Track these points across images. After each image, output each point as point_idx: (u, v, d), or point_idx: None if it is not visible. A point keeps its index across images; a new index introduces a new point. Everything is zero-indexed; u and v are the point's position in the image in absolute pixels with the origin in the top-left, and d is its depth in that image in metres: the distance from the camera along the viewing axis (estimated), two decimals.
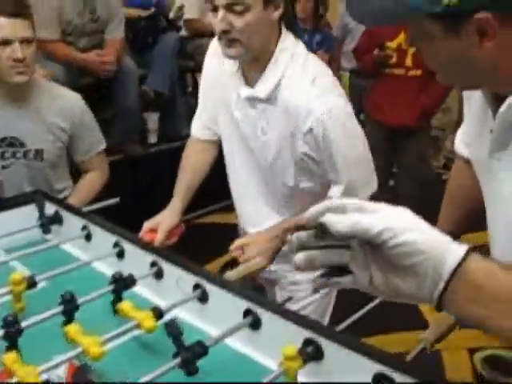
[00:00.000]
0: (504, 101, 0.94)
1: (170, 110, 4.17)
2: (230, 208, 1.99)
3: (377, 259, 0.73)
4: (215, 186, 4.51)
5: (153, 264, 1.35)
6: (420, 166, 3.66)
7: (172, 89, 4.06)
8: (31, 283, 1.26)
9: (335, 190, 1.62)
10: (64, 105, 2.21)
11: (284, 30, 1.62)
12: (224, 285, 1.21)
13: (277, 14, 1.55)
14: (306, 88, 1.55)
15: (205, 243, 3.49)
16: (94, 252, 1.51)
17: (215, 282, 1.22)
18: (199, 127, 1.93)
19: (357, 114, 1.71)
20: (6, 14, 1.97)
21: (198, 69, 4.58)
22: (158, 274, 1.34)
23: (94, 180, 2.38)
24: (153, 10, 4.07)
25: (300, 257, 0.75)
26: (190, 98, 5.02)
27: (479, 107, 1.06)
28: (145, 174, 3.99)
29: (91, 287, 1.24)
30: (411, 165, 3.65)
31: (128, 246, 1.44)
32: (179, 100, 4.22)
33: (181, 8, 4.28)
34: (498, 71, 0.89)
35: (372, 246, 0.72)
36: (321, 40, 4.26)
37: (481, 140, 1.05)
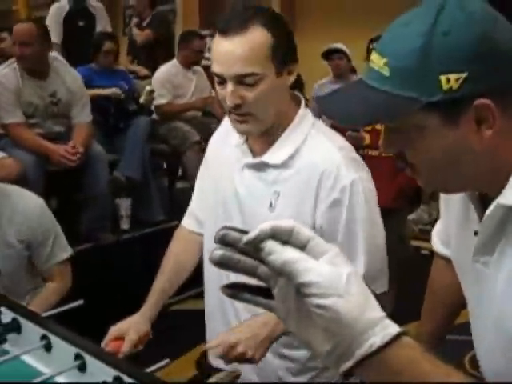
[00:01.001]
0: (490, 202, 0.87)
1: (142, 195, 4.11)
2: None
3: (299, 301, 0.65)
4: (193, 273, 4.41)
5: (116, 379, 1.24)
6: (398, 247, 3.60)
7: (145, 174, 4.02)
8: None
9: None
10: (24, 216, 2.13)
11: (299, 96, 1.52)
12: None
13: (291, 78, 1.44)
14: (334, 154, 1.42)
15: (181, 332, 3.37)
16: (55, 364, 1.40)
17: None
18: (189, 217, 1.77)
19: None
20: None
21: (171, 152, 4.64)
22: None
23: (50, 293, 2.26)
24: (122, 94, 4.09)
25: (219, 251, 0.67)
26: (163, 180, 5.00)
27: (460, 209, 1.00)
28: (117, 262, 3.88)
29: None
30: (389, 246, 3.58)
31: (90, 359, 1.33)
32: (152, 185, 4.18)
33: (151, 92, 4.31)
34: (495, 161, 0.83)
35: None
36: None
37: (462, 242, 0.99)
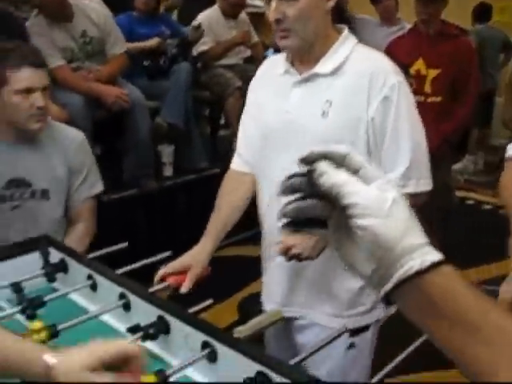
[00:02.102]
0: None
1: (185, 142, 4.12)
2: (249, 241, 1.89)
3: (347, 227, 0.67)
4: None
5: (160, 318, 1.27)
6: (443, 194, 3.55)
7: (187, 120, 4.01)
8: (53, 332, 1.22)
9: (391, 176, 1.54)
10: (66, 145, 2.21)
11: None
12: (234, 345, 1.12)
13: (330, 3, 1.55)
14: (381, 60, 1.61)
15: (223, 277, 3.43)
16: (100, 302, 1.45)
17: (225, 341, 1.13)
18: (238, 159, 1.82)
19: None
20: (31, 63, 2.03)
21: (213, 99, 4.62)
22: (165, 329, 1.26)
23: (85, 235, 2.28)
24: (165, 42, 4.07)
25: (289, 206, 0.69)
26: (205, 128, 5.00)
27: None
28: (160, 208, 3.94)
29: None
30: (433, 195, 3.54)
31: (134, 298, 1.37)
32: (194, 132, 4.17)
33: (198, 27, 4.26)
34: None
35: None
36: None
37: None
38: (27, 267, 1.59)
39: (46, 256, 1.62)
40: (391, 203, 0.65)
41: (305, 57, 1.61)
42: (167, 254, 1.69)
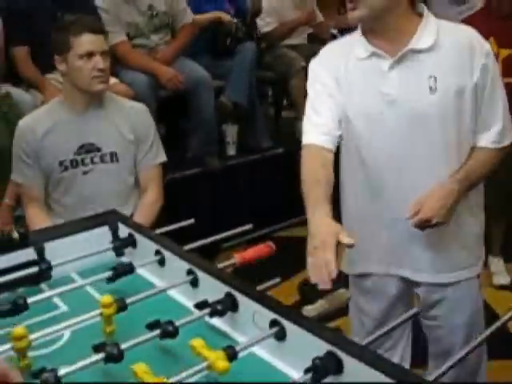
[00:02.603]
0: None
1: (249, 121, 4.11)
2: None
3: None
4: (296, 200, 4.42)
5: (228, 295, 1.27)
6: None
7: (251, 100, 3.99)
8: (122, 306, 1.24)
9: (486, 137, 1.68)
10: (131, 114, 2.38)
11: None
12: (303, 323, 1.11)
13: None
14: (469, 31, 1.69)
15: (283, 258, 3.43)
16: (168, 278, 1.46)
17: (294, 319, 1.12)
18: (318, 134, 1.72)
19: None
20: (90, 30, 2.25)
21: (277, 79, 4.58)
22: (233, 306, 1.25)
23: (151, 204, 2.42)
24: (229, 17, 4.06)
25: None
26: (269, 108, 4.97)
27: None
28: (223, 187, 3.95)
29: (169, 315, 1.19)
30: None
31: (202, 275, 1.37)
32: (258, 112, 4.16)
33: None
34: None
35: None
36: None
37: None
38: (97, 241, 1.62)
39: (115, 230, 1.65)
40: None
41: (391, 35, 1.64)
42: (191, 221, 1.72)
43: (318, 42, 4.88)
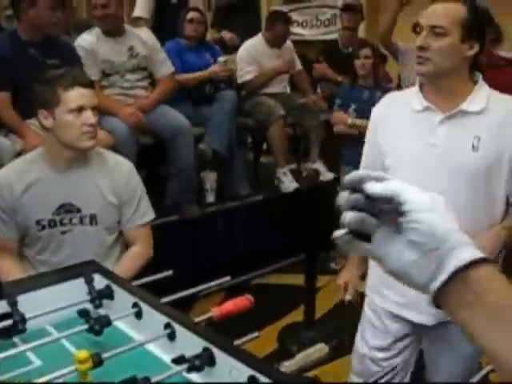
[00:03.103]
0: None
1: (228, 169, 4.13)
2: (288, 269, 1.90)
3: (396, 237, 0.74)
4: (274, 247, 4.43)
5: (205, 350, 1.25)
6: None
7: (230, 147, 4.03)
8: (98, 361, 1.21)
9: None
10: (115, 175, 2.27)
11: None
12: (281, 380, 1.10)
13: (471, 52, 1.82)
14: None
15: (262, 305, 3.41)
16: (145, 331, 1.44)
17: (271, 376, 1.11)
18: None
19: None
20: (81, 84, 2.16)
21: (256, 126, 4.63)
22: (211, 361, 1.24)
23: (136, 256, 2.35)
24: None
25: (351, 215, 0.75)
26: (248, 154, 5.01)
27: None
28: (202, 234, 3.94)
29: (146, 370, 1.17)
30: None
31: (179, 329, 1.35)
32: (237, 159, 4.19)
33: (225, 62, 4.29)
34: None
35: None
36: (382, 96, 4.13)
37: None
38: (73, 293, 1.60)
39: (91, 282, 1.63)
40: (444, 206, 0.75)
41: (445, 95, 1.86)
42: (169, 272, 1.69)
43: (298, 90, 4.98)
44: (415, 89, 1.95)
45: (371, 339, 2.15)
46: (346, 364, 2.44)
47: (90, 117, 2.15)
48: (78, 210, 2.21)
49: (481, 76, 1.89)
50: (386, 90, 4.16)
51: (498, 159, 1.83)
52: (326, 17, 8.58)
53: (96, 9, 3.63)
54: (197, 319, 1.44)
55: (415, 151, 1.90)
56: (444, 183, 1.78)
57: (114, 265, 2.28)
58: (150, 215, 2.38)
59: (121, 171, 2.29)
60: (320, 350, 1.41)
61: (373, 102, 4.07)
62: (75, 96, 2.13)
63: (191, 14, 4.22)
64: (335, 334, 3.24)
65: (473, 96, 1.85)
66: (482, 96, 1.84)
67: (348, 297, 2.22)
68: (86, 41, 3.58)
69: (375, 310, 2.15)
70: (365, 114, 4.12)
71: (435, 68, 1.81)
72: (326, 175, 4.59)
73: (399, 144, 1.94)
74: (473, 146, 1.82)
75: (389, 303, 2.07)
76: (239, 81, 4.54)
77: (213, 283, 1.64)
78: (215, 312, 1.50)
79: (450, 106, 1.86)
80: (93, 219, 2.23)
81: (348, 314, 3.75)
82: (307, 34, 8.71)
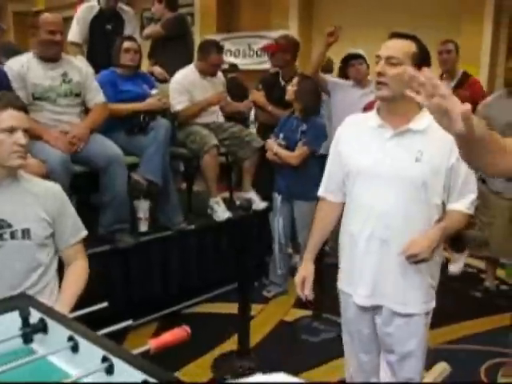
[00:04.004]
0: None
1: (161, 198, 4.12)
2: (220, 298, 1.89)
3: None
4: (209, 276, 4.43)
5: (144, 383, 1.25)
6: None
7: (164, 177, 4.02)
8: None
9: (463, 203, 2.24)
10: (45, 196, 2.37)
11: None
12: None
13: None
14: None
15: (197, 335, 3.40)
16: (82, 365, 1.41)
17: None
18: (329, 190, 2.46)
19: None
20: (14, 106, 2.30)
21: (190, 156, 4.64)
22: None
23: (80, 270, 2.45)
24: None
25: None
26: (180, 185, 5.01)
27: None
28: (136, 264, 3.90)
29: None
30: None
31: (117, 361, 1.34)
32: (171, 188, 4.18)
33: (158, 94, 4.31)
34: None
35: None
36: (306, 130, 4.24)
37: None
38: (4, 327, 1.56)
39: (25, 315, 1.59)
40: None
41: (397, 115, 2.20)
42: (105, 304, 1.69)
43: (230, 119, 5.03)
44: (373, 111, 2.30)
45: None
46: None
47: (20, 137, 2.26)
48: (9, 226, 2.27)
49: None
50: (314, 127, 4.27)
51: (437, 171, 2.16)
52: (259, 46, 8.77)
53: (42, 34, 3.59)
54: (134, 351, 1.43)
55: (368, 163, 2.23)
56: (393, 191, 2.18)
57: (53, 283, 2.39)
58: (84, 232, 2.50)
59: (49, 192, 2.40)
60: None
61: (299, 132, 4.22)
62: (8, 116, 2.26)
63: (127, 44, 4.21)
64: (270, 362, 3.28)
65: (419, 117, 2.19)
66: (426, 118, 2.11)
67: (306, 291, 2.43)
68: (16, 64, 3.56)
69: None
70: (290, 142, 4.24)
71: (391, 92, 2.14)
72: (259, 204, 4.65)
73: (356, 156, 2.28)
74: (416, 159, 2.15)
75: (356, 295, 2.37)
76: (172, 110, 4.55)
77: (90, 309, 1.64)
78: (152, 344, 1.49)
79: (400, 125, 2.20)
80: (25, 234, 2.30)
81: (283, 340, 3.81)
82: (240, 63, 8.88)
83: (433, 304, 2.36)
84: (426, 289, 2.31)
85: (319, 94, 4.39)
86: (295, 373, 3.62)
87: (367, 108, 3.81)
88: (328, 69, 6.38)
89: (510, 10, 7.06)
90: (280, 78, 4.93)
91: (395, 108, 2.21)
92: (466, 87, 4.72)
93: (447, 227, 2.21)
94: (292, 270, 4.63)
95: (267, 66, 5.46)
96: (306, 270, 2.47)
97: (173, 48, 5.39)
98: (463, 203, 2.24)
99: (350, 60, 4.79)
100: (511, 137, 2.93)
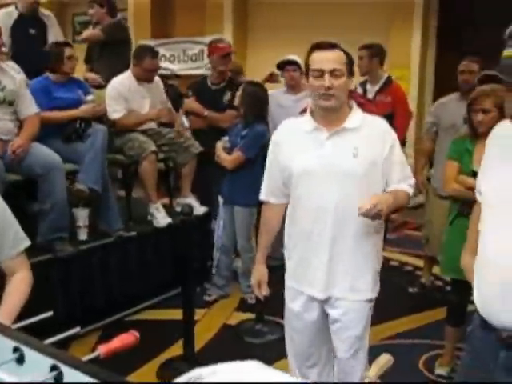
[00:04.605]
0: None
1: (101, 205, 4.08)
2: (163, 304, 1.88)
3: None
4: (151, 282, 4.41)
5: None
6: None
7: (104, 184, 3.98)
8: None
9: (406, 184, 2.43)
10: None
11: None
12: None
13: (351, 85, 2.47)
14: (382, 121, 2.48)
15: (141, 342, 3.37)
16: (28, 377, 1.39)
17: None
18: (270, 194, 2.57)
19: None
20: None
21: (128, 162, 4.60)
22: None
23: (22, 281, 2.33)
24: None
25: None
26: (119, 191, 4.96)
27: None
28: (76, 272, 3.84)
29: None
30: None
31: (67, 370, 1.33)
32: (110, 195, 4.14)
33: (92, 101, 4.27)
34: None
35: None
36: (244, 135, 4.29)
37: None
38: None
39: None
40: None
41: (332, 117, 2.35)
42: (49, 313, 1.66)
43: (167, 125, 5.00)
44: (307, 115, 2.42)
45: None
46: None
47: None
48: None
49: (354, 101, 2.46)
50: (252, 135, 4.32)
51: (374, 164, 2.34)
52: (194, 52, 8.77)
53: None
54: (84, 358, 1.43)
55: (308, 163, 2.36)
56: (334, 186, 2.32)
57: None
58: (26, 242, 2.36)
59: None
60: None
61: (241, 137, 4.27)
62: None
63: (69, 51, 4.14)
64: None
65: (350, 117, 2.37)
66: (357, 117, 2.37)
67: (264, 292, 2.59)
68: None
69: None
70: (233, 146, 4.29)
71: (338, 102, 2.31)
72: (199, 209, 4.66)
73: (295, 159, 2.39)
74: (353, 155, 2.31)
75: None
76: (109, 117, 4.49)
77: (35, 318, 1.62)
78: (102, 350, 1.49)
79: (334, 125, 2.35)
80: None
81: (227, 344, 3.84)
82: (175, 68, 8.85)
83: (377, 289, 2.50)
84: (374, 275, 2.46)
85: (262, 101, 4.42)
86: None
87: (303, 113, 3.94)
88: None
89: (437, 14, 7.32)
90: (209, 83, 4.95)
91: (333, 112, 2.35)
92: (387, 92, 4.89)
93: (395, 198, 2.32)
94: (234, 274, 4.68)
95: (202, 71, 5.47)
96: (259, 272, 2.61)
97: (113, 53, 5.34)
98: (404, 185, 2.42)
99: (284, 66, 4.87)
100: (453, 136, 3.30)
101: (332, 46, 2.33)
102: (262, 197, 2.60)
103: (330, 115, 2.36)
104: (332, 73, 2.27)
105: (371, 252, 2.44)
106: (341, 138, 2.35)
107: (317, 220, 2.37)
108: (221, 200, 4.41)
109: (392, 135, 2.43)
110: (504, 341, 1.62)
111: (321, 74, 2.28)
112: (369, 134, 2.36)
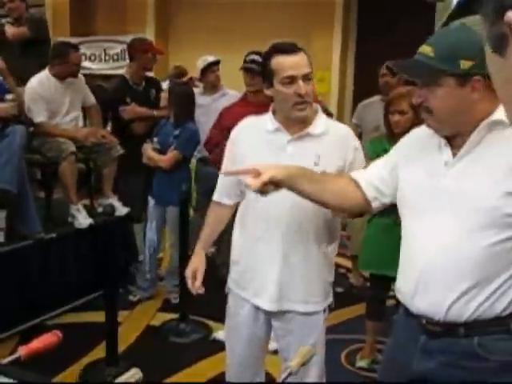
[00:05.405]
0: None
1: (19, 207, 3.95)
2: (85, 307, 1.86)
3: None
4: (73, 285, 4.33)
5: None
6: None
7: (22, 185, 3.86)
8: None
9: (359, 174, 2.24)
10: None
11: None
12: None
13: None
14: (345, 127, 2.41)
15: (64, 345, 3.30)
16: None
17: None
18: (224, 194, 2.43)
19: None
20: None
21: (47, 163, 4.47)
22: None
23: None
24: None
25: None
26: (38, 193, 4.82)
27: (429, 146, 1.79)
28: None
29: None
30: None
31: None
32: (28, 197, 4.01)
33: (13, 101, 4.15)
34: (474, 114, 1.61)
35: None
36: (178, 135, 4.31)
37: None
38: None
39: None
40: None
41: (296, 122, 2.22)
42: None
43: (91, 124, 4.91)
44: (269, 113, 2.29)
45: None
46: None
47: None
48: None
49: (319, 106, 2.33)
50: (186, 133, 4.33)
51: (340, 171, 2.19)
52: (115, 51, 8.62)
53: None
54: (3, 360, 1.40)
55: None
56: (288, 195, 2.02)
57: None
58: None
59: None
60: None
61: (173, 136, 4.26)
62: None
63: None
64: (141, 367, 3.26)
65: (315, 121, 2.25)
66: (321, 123, 2.26)
67: (198, 283, 2.37)
68: None
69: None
70: (164, 146, 4.28)
71: (310, 108, 2.21)
72: (121, 210, 4.61)
73: (253, 160, 2.11)
74: (314, 163, 2.16)
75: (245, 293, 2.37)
76: (33, 120, 4.35)
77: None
78: (22, 351, 1.46)
79: (298, 129, 2.22)
80: None
81: (151, 344, 3.81)
82: (95, 67, 8.67)
83: (331, 299, 2.41)
84: (326, 287, 2.37)
85: (191, 100, 4.43)
86: (167, 375, 3.70)
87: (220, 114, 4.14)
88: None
89: (356, 19, 7.51)
90: (131, 83, 4.89)
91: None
92: None
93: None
94: (160, 276, 4.67)
95: (123, 71, 5.36)
96: (198, 259, 2.42)
97: (32, 52, 5.16)
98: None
99: (209, 67, 4.92)
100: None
101: (297, 49, 2.19)
102: (215, 197, 2.45)
103: (294, 118, 2.23)
104: (304, 77, 2.15)
105: (324, 264, 2.33)
106: (303, 143, 2.22)
107: (268, 229, 2.24)
108: (151, 201, 4.40)
109: (355, 140, 2.35)
110: (424, 327, 1.73)
111: (291, 80, 2.14)
112: (334, 142, 2.24)
